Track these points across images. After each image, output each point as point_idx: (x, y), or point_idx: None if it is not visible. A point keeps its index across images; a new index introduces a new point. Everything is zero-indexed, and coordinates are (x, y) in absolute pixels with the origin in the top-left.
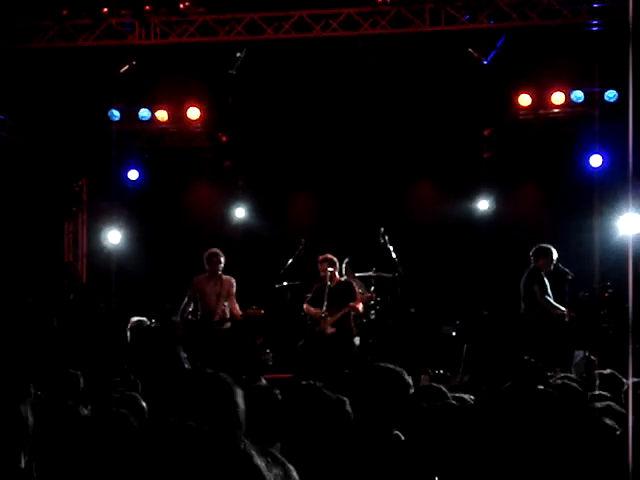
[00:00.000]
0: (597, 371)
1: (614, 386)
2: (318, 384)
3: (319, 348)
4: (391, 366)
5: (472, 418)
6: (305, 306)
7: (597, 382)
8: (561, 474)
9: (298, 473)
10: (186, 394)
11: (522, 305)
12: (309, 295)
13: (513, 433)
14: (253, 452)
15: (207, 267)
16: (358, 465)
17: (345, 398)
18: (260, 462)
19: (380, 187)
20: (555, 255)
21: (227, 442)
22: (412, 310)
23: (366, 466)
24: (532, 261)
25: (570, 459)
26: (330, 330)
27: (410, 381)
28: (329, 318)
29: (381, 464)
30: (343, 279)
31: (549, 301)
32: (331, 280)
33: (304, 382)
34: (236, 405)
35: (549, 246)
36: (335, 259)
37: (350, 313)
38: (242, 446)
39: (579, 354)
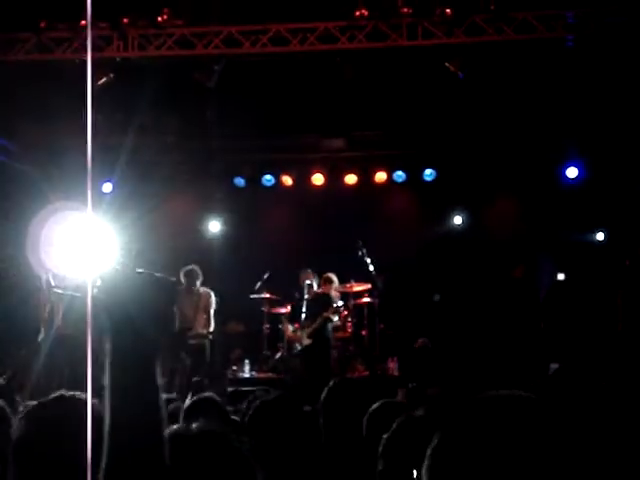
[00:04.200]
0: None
1: None
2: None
3: (296, 359)
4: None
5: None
6: (287, 331)
7: None
8: None
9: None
10: None
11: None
12: (286, 310)
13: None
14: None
15: (184, 283)
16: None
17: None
18: None
19: (357, 200)
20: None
21: None
22: (437, 297)
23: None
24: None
25: None
26: (306, 341)
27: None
28: (306, 330)
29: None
30: (320, 290)
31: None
32: (309, 293)
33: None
34: None
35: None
36: (314, 273)
37: (328, 325)
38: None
39: (554, 367)
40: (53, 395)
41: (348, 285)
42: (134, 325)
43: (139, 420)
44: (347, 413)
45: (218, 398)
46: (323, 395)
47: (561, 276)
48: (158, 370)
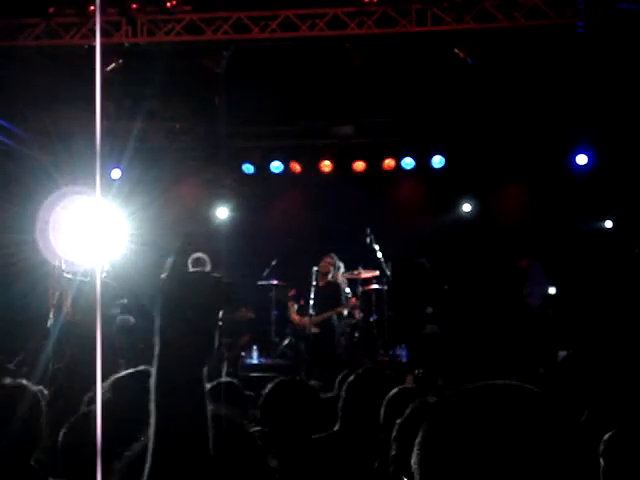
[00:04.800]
0: None
1: None
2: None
3: (303, 346)
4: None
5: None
6: (292, 313)
7: None
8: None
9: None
10: None
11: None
12: (293, 292)
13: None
14: None
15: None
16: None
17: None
18: None
19: (366, 187)
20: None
21: None
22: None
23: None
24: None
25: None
26: (314, 330)
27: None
28: (314, 318)
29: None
30: (331, 280)
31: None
32: (320, 280)
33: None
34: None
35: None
36: (335, 260)
37: (334, 315)
38: None
39: (562, 354)
40: (138, 369)
41: (356, 272)
42: (186, 323)
43: (185, 414)
44: (369, 400)
45: (237, 382)
46: (349, 380)
47: (552, 290)
48: (205, 366)
